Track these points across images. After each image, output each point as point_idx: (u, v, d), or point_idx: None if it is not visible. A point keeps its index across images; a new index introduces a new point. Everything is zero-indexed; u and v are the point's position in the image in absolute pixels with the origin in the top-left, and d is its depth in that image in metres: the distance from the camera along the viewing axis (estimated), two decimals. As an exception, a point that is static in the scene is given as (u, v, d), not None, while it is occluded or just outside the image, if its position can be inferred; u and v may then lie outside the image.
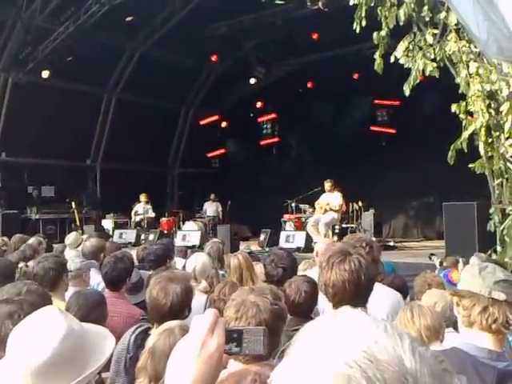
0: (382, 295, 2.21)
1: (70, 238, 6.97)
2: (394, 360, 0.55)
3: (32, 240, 6.79)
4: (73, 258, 4.92)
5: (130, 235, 13.78)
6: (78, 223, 14.77)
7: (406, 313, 2.57)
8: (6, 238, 7.55)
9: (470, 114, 6.98)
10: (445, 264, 6.56)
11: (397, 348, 0.56)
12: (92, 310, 2.97)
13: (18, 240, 6.90)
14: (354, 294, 2.10)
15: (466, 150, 7.00)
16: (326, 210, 11.47)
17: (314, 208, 12.07)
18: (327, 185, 11.64)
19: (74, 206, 15.22)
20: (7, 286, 2.26)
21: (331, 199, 11.51)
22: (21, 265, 4.63)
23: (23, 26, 13.99)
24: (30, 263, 4.71)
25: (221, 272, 5.10)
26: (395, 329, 0.60)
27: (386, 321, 0.62)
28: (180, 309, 2.67)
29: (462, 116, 7.02)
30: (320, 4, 11.07)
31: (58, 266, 3.87)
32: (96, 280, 4.63)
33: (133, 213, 14.53)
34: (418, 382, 0.55)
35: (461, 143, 7.02)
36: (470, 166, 7.11)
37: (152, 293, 2.70)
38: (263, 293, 1.91)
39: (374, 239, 11.55)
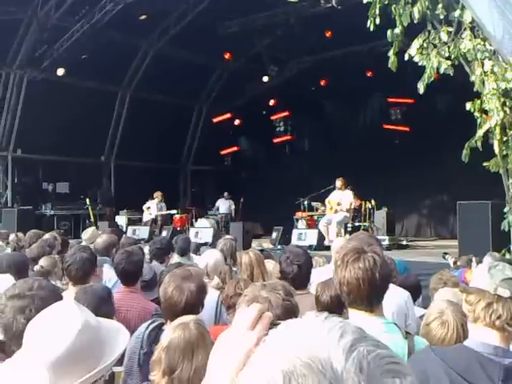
0: (388, 293, 2.21)
1: (88, 233, 7.03)
2: (318, 357, 0.55)
3: (47, 236, 6.87)
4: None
5: (143, 232, 13.86)
6: (92, 219, 14.90)
7: (431, 315, 2.54)
8: (20, 234, 7.66)
9: (485, 112, 6.92)
10: (459, 263, 6.53)
11: (330, 346, 0.56)
12: (101, 306, 2.97)
13: (33, 235, 6.97)
14: (369, 292, 2.09)
15: (480, 149, 6.94)
16: (336, 211, 11.44)
17: (326, 206, 12.06)
18: (338, 183, 11.62)
19: (88, 202, 15.36)
20: (19, 282, 2.28)
21: (342, 198, 11.48)
22: (37, 266, 4.69)
23: (39, 25, 14.14)
24: (41, 261, 4.75)
25: (234, 269, 5.13)
26: (344, 327, 0.59)
27: (343, 320, 0.61)
28: (194, 306, 2.69)
29: (476, 114, 6.96)
30: (333, 2, 11.03)
31: (92, 258, 3.87)
32: (108, 276, 4.66)
33: (145, 207, 14.59)
34: (341, 378, 0.54)
35: (475, 141, 6.96)
36: (485, 164, 7.06)
37: (167, 291, 2.72)
38: (275, 289, 1.93)
39: (386, 237, 11.62)
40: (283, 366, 0.56)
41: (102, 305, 3.03)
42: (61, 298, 2.25)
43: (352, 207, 11.66)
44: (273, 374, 0.56)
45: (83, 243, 6.72)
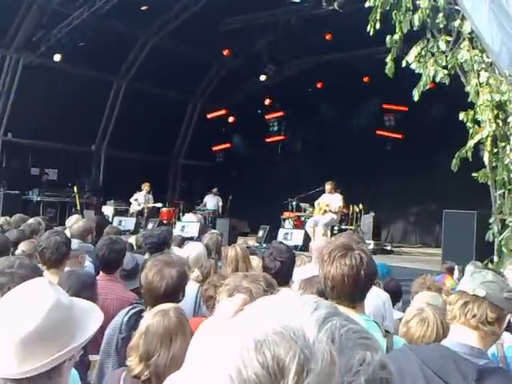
0: (368, 294, 2.22)
1: (72, 220, 6.98)
2: (291, 326, 0.56)
3: (31, 221, 6.81)
4: (71, 240, 4.92)
5: (129, 223, 13.80)
6: (78, 208, 14.81)
7: (410, 314, 2.56)
8: (8, 218, 7.61)
9: (478, 123, 6.96)
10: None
11: (303, 317, 0.57)
12: (83, 291, 2.95)
13: (18, 219, 6.93)
14: (353, 289, 2.11)
15: (470, 159, 6.98)
16: (325, 211, 11.49)
17: (314, 207, 12.09)
18: (328, 186, 11.66)
19: (75, 190, 15.26)
20: (0, 259, 2.26)
21: (331, 200, 11.53)
22: (18, 251, 4.65)
23: (39, 9, 14.01)
24: (22, 245, 4.71)
25: (218, 264, 5.11)
26: (318, 302, 0.60)
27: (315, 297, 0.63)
28: (174, 292, 2.68)
29: (469, 124, 7.00)
30: (335, 5, 11.03)
31: (67, 242, 3.85)
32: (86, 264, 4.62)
33: (132, 199, 14.52)
34: (312, 346, 0.55)
35: (466, 152, 7.00)
36: (474, 174, 7.10)
37: (148, 275, 2.71)
38: (257, 279, 1.92)
39: (371, 242, 11.65)
40: (255, 334, 0.57)
41: (85, 290, 3.02)
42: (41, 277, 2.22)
43: (341, 211, 11.71)
44: (244, 342, 0.57)
45: (67, 230, 6.68)
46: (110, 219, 13.84)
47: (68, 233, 5.91)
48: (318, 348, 0.55)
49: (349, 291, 2.10)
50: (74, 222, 6.86)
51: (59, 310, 1.47)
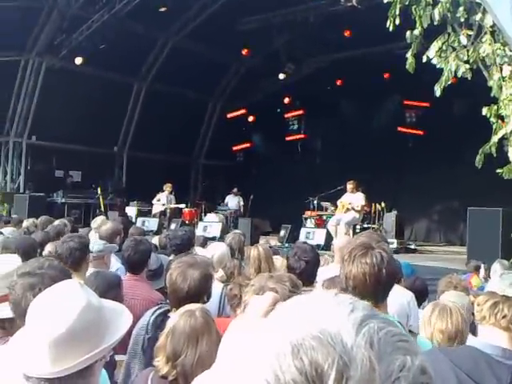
0: (391, 293, 2.20)
1: (97, 221, 7.07)
2: (328, 330, 0.55)
3: (57, 222, 6.92)
4: (95, 240, 4.99)
5: (152, 223, 13.93)
6: (102, 209, 14.99)
7: (428, 310, 2.56)
8: (36, 220, 7.75)
9: (501, 118, 6.85)
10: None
11: (339, 320, 0.56)
12: (108, 291, 3.00)
13: (44, 221, 7.03)
14: (375, 287, 2.09)
15: (494, 155, 6.87)
16: (347, 209, 11.42)
17: (336, 206, 12.04)
18: (349, 186, 11.58)
19: (99, 191, 15.46)
20: (30, 261, 2.31)
21: (354, 199, 11.47)
22: (45, 252, 4.73)
23: (59, 14, 14.23)
24: (49, 247, 4.79)
25: (242, 264, 5.13)
26: (354, 303, 0.59)
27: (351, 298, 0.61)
28: (198, 294, 2.70)
29: (492, 120, 6.88)
30: (354, 1, 10.97)
31: (82, 247, 3.88)
32: (115, 266, 4.67)
33: (155, 200, 14.64)
34: (350, 352, 0.54)
35: (490, 147, 6.89)
36: (498, 171, 6.99)
37: (172, 277, 2.75)
38: (282, 280, 1.94)
39: (395, 241, 11.56)
40: (292, 339, 0.55)
41: (111, 290, 3.06)
42: (70, 278, 2.27)
43: (363, 210, 11.64)
44: (281, 347, 0.55)
45: (92, 231, 6.78)
46: (134, 220, 13.99)
47: (94, 234, 6.02)
48: (356, 353, 0.54)
49: (371, 290, 2.08)
50: (99, 224, 6.96)
51: (90, 311, 1.50)
